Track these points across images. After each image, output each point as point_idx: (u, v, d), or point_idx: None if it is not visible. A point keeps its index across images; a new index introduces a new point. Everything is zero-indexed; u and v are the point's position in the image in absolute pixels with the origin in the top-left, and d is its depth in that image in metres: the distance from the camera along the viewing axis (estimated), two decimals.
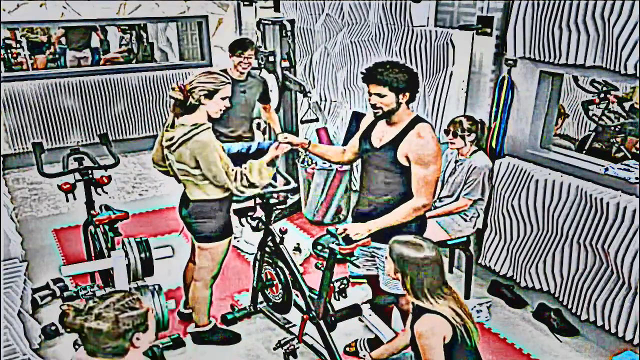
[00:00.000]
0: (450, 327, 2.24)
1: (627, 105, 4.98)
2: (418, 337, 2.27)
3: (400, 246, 2.31)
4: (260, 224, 3.25)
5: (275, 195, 3.21)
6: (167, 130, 2.81)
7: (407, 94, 2.63)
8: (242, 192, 2.80)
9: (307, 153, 4.90)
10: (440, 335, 2.24)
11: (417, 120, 2.69)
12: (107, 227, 3.18)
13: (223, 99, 2.78)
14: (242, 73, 4.06)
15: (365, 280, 3.45)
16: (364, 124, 2.88)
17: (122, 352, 1.81)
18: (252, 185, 2.80)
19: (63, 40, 8.11)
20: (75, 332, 1.79)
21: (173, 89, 2.70)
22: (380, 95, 2.61)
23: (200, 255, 3.02)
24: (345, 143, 4.87)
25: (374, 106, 2.65)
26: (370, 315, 3.00)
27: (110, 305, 1.79)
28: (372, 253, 2.87)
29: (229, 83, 2.79)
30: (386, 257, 2.40)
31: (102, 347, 1.78)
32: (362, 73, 2.68)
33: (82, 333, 1.78)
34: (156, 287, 2.98)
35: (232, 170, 2.77)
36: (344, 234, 2.66)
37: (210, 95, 2.72)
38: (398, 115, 2.66)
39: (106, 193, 3.56)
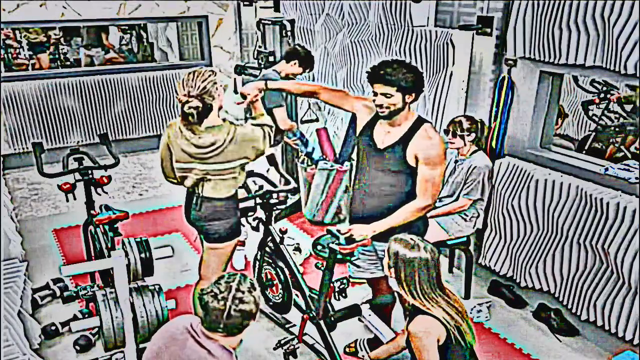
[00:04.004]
0: (444, 328, 2.24)
1: (628, 106, 4.98)
2: (411, 338, 2.28)
3: (397, 244, 2.35)
4: (260, 224, 3.25)
5: (275, 195, 3.21)
6: (200, 138, 2.71)
7: (414, 95, 2.59)
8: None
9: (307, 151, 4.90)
10: (434, 337, 2.24)
11: (421, 120, 2.67)
12: (107, 227, 3.18)
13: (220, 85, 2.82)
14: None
15: (364, 280, 3.45)
16: (365, 116, 2.80)
17: (242, 330, 2.05)
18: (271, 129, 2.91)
19: (79, 39, 8.26)
20: (212, 314, 2.00)
21: (187, 102, 2.64)
22: (387, 96, 2.55)
23: (208, 254, 3.03)
24: (344, 143, 4.88)
25: (380, 106, 2.60)
26: (369, 315, 3.00)
27: (242, 287, 2.02)
28: (377, 255, 2.86)
29: (214, 71, 2.81)
30: (384, 252, 2.42)
31: (236, 325, 2.01)
32: (367, 72, 2.63)
33: (222, 315, 1.98)
34: (156, 287, 2.98)
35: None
36: (347, 234, 2.66)
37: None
38: (403, 115, 2.63)
39: (106, 193, 3.56)
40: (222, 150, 2.70)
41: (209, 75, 2.70)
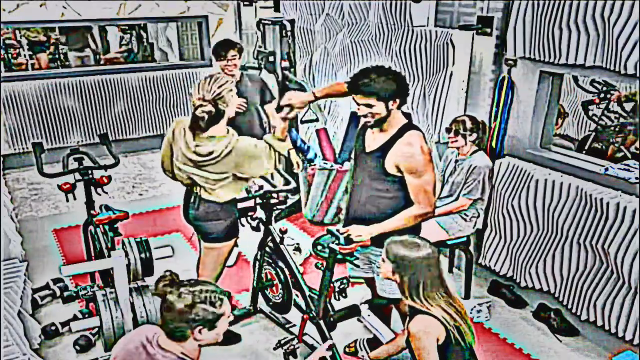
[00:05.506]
0: (443, 328, 2.23)
1: (628, 105, 4.98)
2: (411, 337, 2.27)
3: (398, 247, 2.30)
4: (260, 224, 3.25)
5: (275, 195, 3.21)
6: (197, 145, 2.71)
7: (397, 101, 2.52)
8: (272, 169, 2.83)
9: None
10: (433, 336, 2.23)
11: (407, 127, 2.60)
12: (107, 227, 3.18)
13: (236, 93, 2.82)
14: (231, 76, 3.94)
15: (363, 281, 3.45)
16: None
17: (182, 337, 1.90)
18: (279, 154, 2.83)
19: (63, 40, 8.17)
20: (158, 297, 1.93)
21: (201, 105, 2.63)
22: (369, 106, 2.50)
23: (206, 254, 3.03)
24: (344, 143, 4.88)
25: (364, 116, 2.55)
26: (369, 315, 2.99)
27: (195, 291, 1.88)
28: (368, 257, 2.86)
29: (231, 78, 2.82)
30: (382, 260, 2.37)
31: (168, 323, 1.89)
32: (346, 83, 2.57)
33: (163, 302, 1.90)
34: None
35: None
36: (345, 234, 2.66)
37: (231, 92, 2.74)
38: (389, 121, 2.58)
39: (106, 193, 3.56)
40: (217, 161, 2.70)
41: (226, 82, 2.71)
